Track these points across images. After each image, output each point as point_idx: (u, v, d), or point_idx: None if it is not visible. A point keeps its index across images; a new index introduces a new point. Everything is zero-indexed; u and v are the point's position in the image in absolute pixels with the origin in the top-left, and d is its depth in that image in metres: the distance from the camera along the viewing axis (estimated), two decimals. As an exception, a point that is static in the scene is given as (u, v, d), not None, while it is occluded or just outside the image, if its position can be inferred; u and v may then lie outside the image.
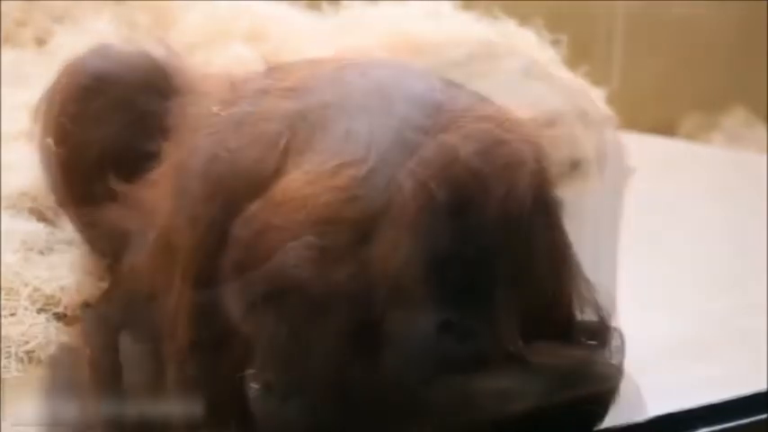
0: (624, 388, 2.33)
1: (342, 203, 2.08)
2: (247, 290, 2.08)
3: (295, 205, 2.09)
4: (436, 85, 2.35)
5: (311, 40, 4.09)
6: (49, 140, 2.79)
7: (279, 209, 2.09)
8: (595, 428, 2.35)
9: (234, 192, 2.25)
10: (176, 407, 2.34)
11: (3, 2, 4.13)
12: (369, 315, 2.05)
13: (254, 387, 2.17)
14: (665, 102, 4.58)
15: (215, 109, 2.37)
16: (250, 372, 2.18)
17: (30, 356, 2.77)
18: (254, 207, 2.13)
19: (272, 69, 2.63)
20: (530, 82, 4.10)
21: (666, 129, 4.52)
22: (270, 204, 2.11)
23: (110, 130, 2.72)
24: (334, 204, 2.08)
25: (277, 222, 2.08)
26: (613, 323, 2.35)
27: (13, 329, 2.80)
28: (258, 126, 2.30)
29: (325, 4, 4.41)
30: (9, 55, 4.01)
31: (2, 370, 2.75)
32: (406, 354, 2.12)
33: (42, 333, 2.81)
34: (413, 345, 2.12)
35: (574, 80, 4.18)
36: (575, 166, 4.07)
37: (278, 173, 2.20)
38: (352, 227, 2.06)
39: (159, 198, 2.45)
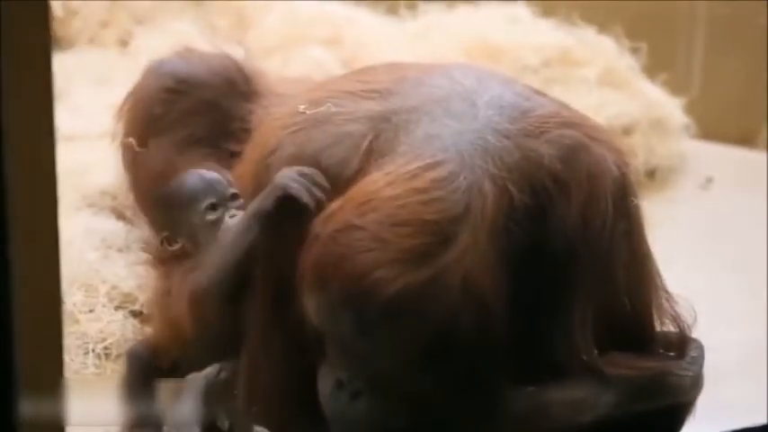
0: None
1: (420, 205, 2.08)
2: (324, 288, 2.10)
3: (374, 205, 2.10)
4: (521, 92, 2.35)
5: (389, 45, 4.10)
6: (132, 140, 2.82)
7: (358, 209, 2.10)
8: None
9: None
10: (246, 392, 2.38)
11: (88, 2, 4.19)
12: (445, 318, 2.05)
13: (325, 383, 2.18)
14: (746, 111, 4.52)
15: (301, 108, 2.39)
16: (323, 368, 2.20)
17: (107, 353, 2.80)
18: (335, 206, 2.15)
19: (357, 71, 2.65)
20: (606, 90, 4.09)
21: (747, 139, 4.47)
22: (350, 204, 2.12)
23: (192, 130, 2.75)
24: (413, 206, 2.08)
25: (356, 222, 2.09)
26: (693, 334, 2.32)
27: (90, 326, 2.83)
28: (342, 126, 2.32)
29: (403, 9, 4.42)
30: (93, 56, 4.08)
31: (79, 366, 2.78)
32: (481, 358, 2.11)
33: (119, 330, 2.84)
34: (487, 349, 2.11)
35: (651, 88, 4.16)
36: (651, 174, 4.05)
37: (360, 173, 2.22)
38: (430, 228, 2.07)
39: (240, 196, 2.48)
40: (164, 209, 2.57)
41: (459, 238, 2.06)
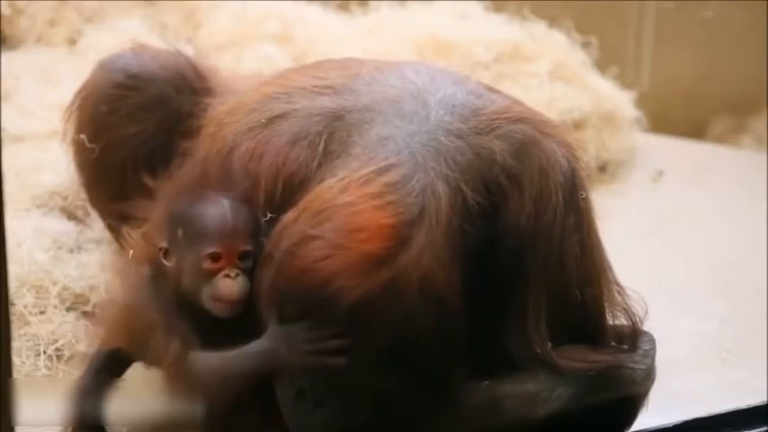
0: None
1: (375, 210, 2.08)
2: (286, 299, 2.08)
3: (329, 214, 2.09)
4: (473, 89, 2.35)
5: (340, 42, 4.10)
6: (83, 136, 2.80)
7: (313, 219, 2.10)
8: (624, 432, 2.36)
9: (272, 190, 2.27)
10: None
11: (35, 2, 4.16)
12: (405, 319, 2.05)
13: (285, 393, 2.17)
14: (695, 104, 4.57)
15: (254, 104, 2.39)
16: (282, 378, 2.18)
17: (58, 355, 2.77)
18: (289, 218, 2.15)
19: (311, 66, 2.64)
20: (557, 84, 4.10)
21: (696, 131, 4.52)
22: (305, 215, 2.12)
23: (143, 126, 2.73)
24: (368, 211, 2.08)
25: (312, 233, 2.08)
26: (645, 327, 2.34)
27: (42, 328, 2.80)
28: (297, 123, 2.32)
29: (354, 6, 4.42)
30: (41, 55, 4.04)
31: (30, 368, 2.75)
32: (440, 356, 2.12)
33: (71, 331, 2.81)
34: (447, 347, 2.12)
35: (601, 82, 4.18)
36: (602, 168, 4.07)
37: (315, 173, 2.22)
38: (386, 232, 2.07)
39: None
40: (172, 223, 2.32)
41: (415, 240, 2.06)
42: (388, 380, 2.10)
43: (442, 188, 2.12)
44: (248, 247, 2.24)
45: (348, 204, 2.09)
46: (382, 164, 2.14)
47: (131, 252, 2.40)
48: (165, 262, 2.30)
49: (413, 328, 2.06)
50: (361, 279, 2.02)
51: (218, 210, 2.27)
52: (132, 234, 2.43)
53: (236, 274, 2.23)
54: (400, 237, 2.06)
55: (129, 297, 2.38)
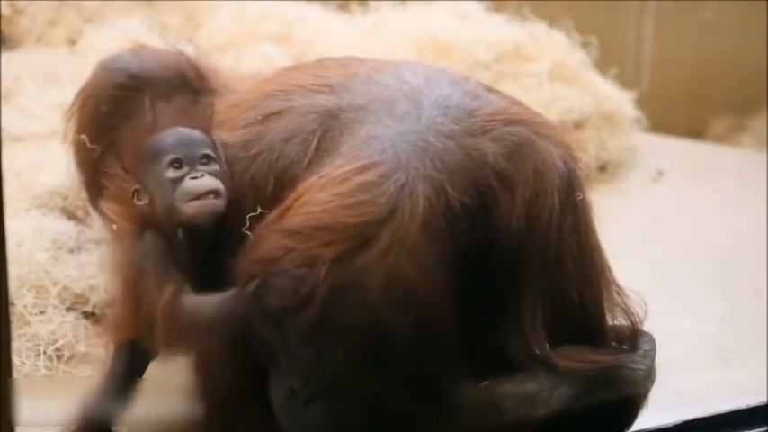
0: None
1: (343, 209, 2.08)
2: (250, 294, 2.09)
3: (301, 211, 2.10)
4: (470, 90, 2.34)
5: (340, 42, 4.10)
6: (84, 137, 2.80)
7: (285, 214, 2.11)
8: (624, 432, 2.36)
9: (264, 185, 2.29)
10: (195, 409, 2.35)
11: (35, 2, 4.16)
12: (370, 317, 2.04)
13: (277, 392, 2.17)
14: (695, 104, 4.57)
15: (253, 101, 2.40)
16: (274, 377, 2.18)
17: (58, 355, 2.78)
18: (271, 215, 2.15)
19: (311, 64, 2.64)
20: (557, 84, 4.10)
21: (696, 131, 4.52)
22: (281, 209, 2.13)
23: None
24: (336, 210, 2.08)
25: (281, 227, 2.09)
26: (644, 327, 2.34)
27: (42, 328, 2.81)
28: (292, 120, 2.32)
29: (354, 6, 4.42)
30: (41, 55, 4.05)
31: (30, 368, 2.75)
32: (421, 355, 2.11)
33: (71, 332, 2.82)
34: (428, 346, 2.11)
35: (601, 82, 4.18)
36: (602, 168, 4.07)
37: (305, 171, 2.23)
38: (350, 232, 2.05)
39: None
40: (136, 161, 2.36)
41: (381, 241, 2.05)
42: (369, 378, 2.09)
43: (422, 188, 2.11)
44: (207, 151, 2.32)
45: (320, 202, 2.09)
46: (363, 162, 2.15)
47: (113, 225, 2.40)
48: (137, 202, 2.33)
49: (381, 327, 2.04)
50: (317, 276, 2.02)
51: (170, 130, 2.36)
52: (108, 205, 2.43)
53: (202, 174, 2.29)
54: (364, 236, 2.05)
55: (124, 267, 2.36)
